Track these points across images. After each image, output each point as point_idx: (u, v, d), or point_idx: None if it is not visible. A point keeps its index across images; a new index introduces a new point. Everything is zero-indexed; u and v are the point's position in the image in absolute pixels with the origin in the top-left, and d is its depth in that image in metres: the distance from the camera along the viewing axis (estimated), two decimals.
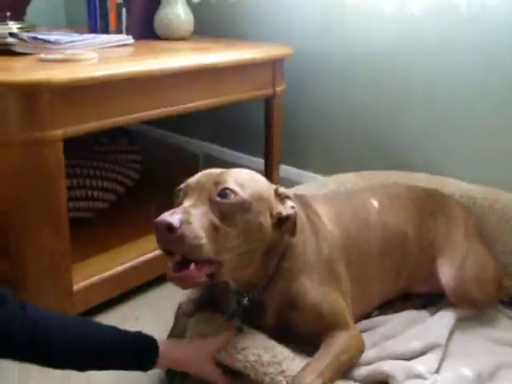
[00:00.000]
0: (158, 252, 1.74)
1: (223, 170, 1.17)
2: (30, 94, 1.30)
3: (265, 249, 1.19)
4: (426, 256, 1.53)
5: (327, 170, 2.04)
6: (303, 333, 1.26)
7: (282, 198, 1.21)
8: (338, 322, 1.26)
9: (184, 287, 1.12)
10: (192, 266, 1.06)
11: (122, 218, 1.97)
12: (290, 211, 1.19)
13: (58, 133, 1.34)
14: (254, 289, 1.25)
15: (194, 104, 1.70)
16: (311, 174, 2.29)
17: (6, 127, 1.31)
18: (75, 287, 1.52)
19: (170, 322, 1.45)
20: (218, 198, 1.09)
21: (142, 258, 1.71)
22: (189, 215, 1.05)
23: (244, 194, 1.11)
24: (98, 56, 1.58)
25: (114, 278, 1.63)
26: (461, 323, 1.44)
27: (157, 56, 1.71)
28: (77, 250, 1.51)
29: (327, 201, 1.46)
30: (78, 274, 1.55)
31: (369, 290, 1.45)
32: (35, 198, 1.37)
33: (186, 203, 1.10)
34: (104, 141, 2.33)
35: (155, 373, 1.36)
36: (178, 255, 1.08)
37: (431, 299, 1.57)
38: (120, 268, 1.65)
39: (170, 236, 1.02)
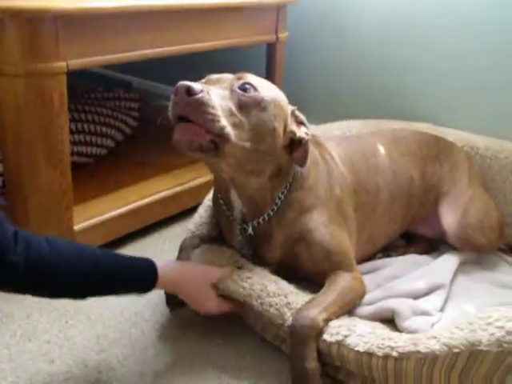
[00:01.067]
0: (157, 197, 1.73)
1: None
2: (33, 22, 1.25)
3: (273, 167, 1.19)
4: (430, 198, 1.54)
5: (328, 120, 2.02)
6: (309, 269, 1.27)
7: (298, 121, 1.21)
8: (344, 261, 1.27)
9: (185, 143, 1.06)
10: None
11: (120, 164, 1.95)
12: (304, 135, 1.19)
13: (62, 65, 1.30)
14: (259, 213, 1.24)
15: (197, 45, 1.66)
16: (312, 126, 2.27)
17: (7, 57, 1.27)
18: (76, 227, 1.50)
19: None
20: (238, 90, 1.10)
21: (142, 202, 1.68)
22: (209, 90, 1.05)
23: (264, 93, 1.12)
24: None
25: (114, 220, 1.60)
26: (463, 267, 1.46)
27: None
28: (76, 192, 1.49)
29: (339, 143, 1.45)
30: (79, 215, 1.53)
31: (375, 233, 1.46)
32: (37, 133, 1.34)
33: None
34: (100, 89, 2.29)
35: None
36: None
37: (433, 245, 1.58)
38: (120, 211, 1.62)
39: (188, 99, 1.02)
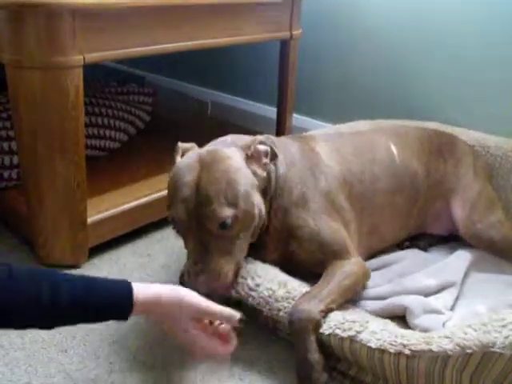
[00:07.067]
0: None
1: (197, 187, 1.13)
2: (51, 15, 1.26)
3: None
4: (437, 195, 1.55)
5: (340, 119, 2.02)
6: (306, 263, 1.29)
7: (254, 156, 1.22)
8: (340, 249, 1.28)
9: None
10: None
11: (133, 157, 1.96)
12: (266, 160, 1.23)
13: (78, 58, 1.31)
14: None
15: (211, 41, 1.67)
16: (324, 124, 2.28)
17: (25, 50, 1.28)
18: (89, 220, 1.51)
19: (182, 259, 1.45)
20: (219, 231, 1.13)
21: (155, 196, 1.69)
22: (213, 266, 1.14)
23: (237, 210, 1.14)
24: None
25: (127, 213, 1.61)
26: (475, 266, 1.45)
27: None
28: (90, 185, 1.50)
29: (329, 140, 1.49)
30: (92, 207, 1.54)
31: (379, 224, 1.47)
32: (53, 125, 1.35)
33: (192, 252, 1.16)
34: (113, 83, 2.31)
35: None
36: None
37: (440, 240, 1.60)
38: (133, 204, 1.64)
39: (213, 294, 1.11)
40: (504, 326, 0.98)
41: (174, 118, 2.45)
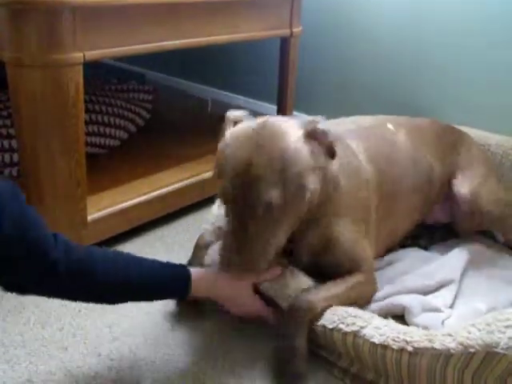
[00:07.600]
0: (170, 188, 1.74)
1: (252, 169, 1.05)
2: (52, 13, 1.26)
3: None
4: (445, 185, 1.55)
5: (340, 117, 2.02)
6: (330, 272, 1.26)
7: (313, 134, 1.11)
8: (362, 265, 1.26)
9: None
10: None
11: (133, 155, 1.96)
12: (333, 146, 1.13)
13: (79, 55, 1.31)
14: None
15: (211, 38, 1.67)
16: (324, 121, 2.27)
17: (25, 48, 1.27)
18: (89, 218, 1.51)
19: (182, 257, 1.46)
20: (263, 212, 1.06)
21: (155, 194, 1.69)
22: (249, 250, 1.09)
23: (286, 192, 1.06)
24: None
25: (127, 211, 1.62)
26: (473, 263, 1.46)
27: None
28: (90, 182, 1.49)
29: (359, 137, 1.40)
30: (92, 205, 1.54)
31: (395, 227, 1.46)
32: (53, 123, 1.34)
33: (232, 228, 1.10)
34: (114, 81, 2.31)
35: None
36: None
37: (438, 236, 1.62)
38: (133, 202, 1.64)
39: None
40: (508, 327, 0.97)
41: (174, 115, 2.45)
